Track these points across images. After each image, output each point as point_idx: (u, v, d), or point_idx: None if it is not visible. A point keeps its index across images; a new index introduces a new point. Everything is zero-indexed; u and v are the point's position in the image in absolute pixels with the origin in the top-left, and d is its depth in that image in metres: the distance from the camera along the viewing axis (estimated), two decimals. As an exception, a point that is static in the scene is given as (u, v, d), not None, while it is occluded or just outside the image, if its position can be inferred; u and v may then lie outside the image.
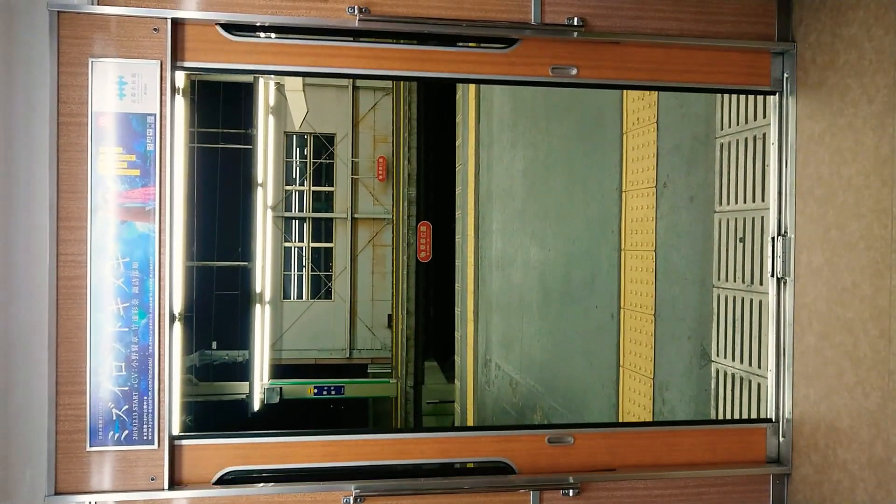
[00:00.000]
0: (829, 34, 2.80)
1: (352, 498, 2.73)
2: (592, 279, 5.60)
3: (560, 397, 6.41)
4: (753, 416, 3.58)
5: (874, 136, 2.56)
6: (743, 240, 3.66)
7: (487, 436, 2.95)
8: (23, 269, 2.58)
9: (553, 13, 2.87)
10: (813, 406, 2.86)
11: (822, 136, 2.83)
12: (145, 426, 2.66)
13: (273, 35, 2.76)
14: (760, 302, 3.50)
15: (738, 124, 3.70)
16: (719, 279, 3.91)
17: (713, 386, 3.94)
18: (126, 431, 2.65)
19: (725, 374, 3.82)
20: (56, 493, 2.61)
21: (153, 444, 2.66)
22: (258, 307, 12.63)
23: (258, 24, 2.77)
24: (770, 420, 3.06)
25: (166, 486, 2.66)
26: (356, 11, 2.71)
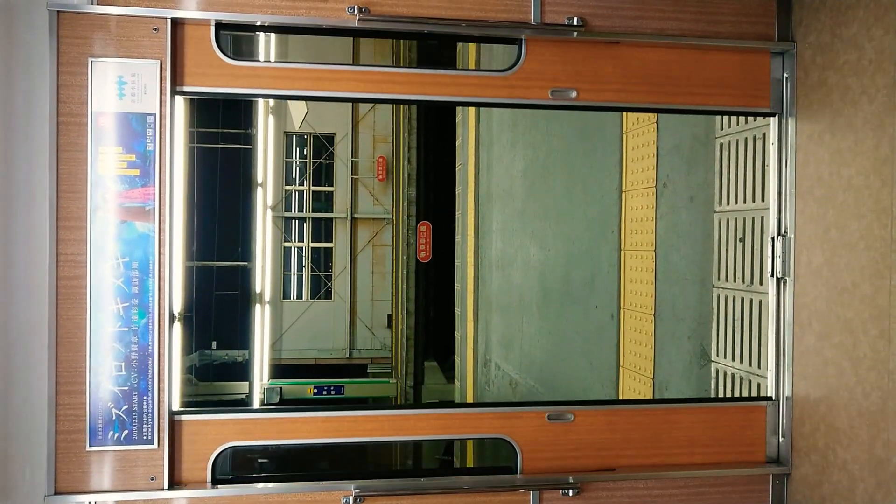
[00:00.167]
0: (828, 34, 2.80)
1: (351, 498, 2.73)
2: (592, 279, 5.60)
3: (560, 397, 6.41)
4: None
5: (874, 135, 2.56)
6: (743, 240, 3.66)
7: (488, 412, 2.94)
8: (22, 268, 2.58)
9: (553, 13, 2.87)
10: (812, 406, 2.86)
11: (821, 136, 2.83)
12: (145, 426, 2.65)
13: (273, 59, 2.75)
14: (760, 302, 3.50)
15: (737, 124, 3.70)
16: (719, 279, 3.91)
17: (713, 386, 3.94)
18: (126, 431, 2.65)
19: (725, 374, 3.82)
20: (56, 493, 2.61)
21: (153, 444, 2.66)
22: (258, 307, 12.63)
23: (258, 24, 2.77)
24: (770, 398, 3.06)
25: (166, 486, 2.66)
26: (356, 11, 2.71)
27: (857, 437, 2.61)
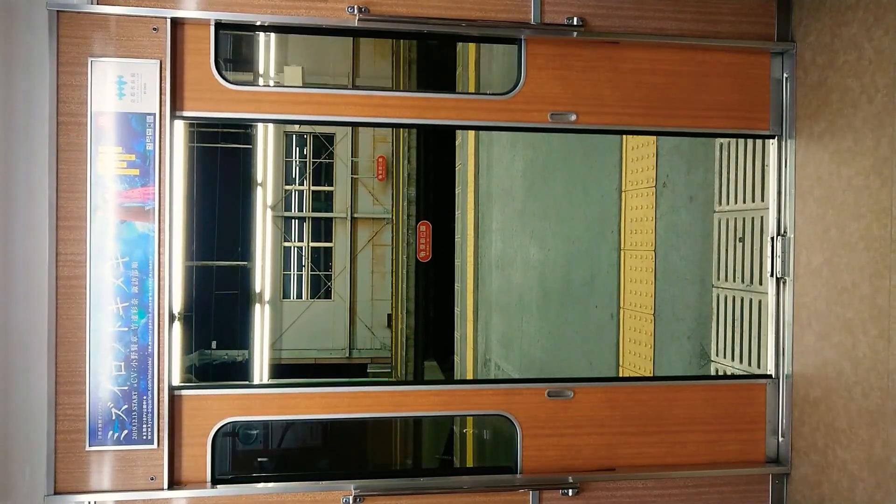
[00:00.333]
0: (828, 34, 2.80)
1: (351, 497, 2.73)
2: (592, 279, 5.60)
3: (559, 397, 6.40)
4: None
5: (873, 136, 2.56)
6: (742, 240, 3.66)
7: (488, 389, 2.94)
8: (22, 268, 2.58)
9: (553, 13, 2.87)
10: (812, 406, 2.86)
11: (821, 136, 2.83)
12: (145, 426, 2.65)
13: (272, 83, 2.75)
14: (760, 302, 3.50)
15: (737, 124, 3.69)
16: (719, 279, 3.91)
17: (713, 386, 3.94)
18: (125, 431, 2.65)
19: (725, 374, 3.82)
20: (55, 493, 2.61)
21: (153, 444, 2.66)
22: (258, 307, 12.62)
23: (258, 24, 2.77)
24: (770, 376, 3.06)
25: (166, 486, 2.66)
26: (356, 11, 2.71)
27: (857, 437, 2.61)
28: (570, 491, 2.85)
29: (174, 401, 2.71)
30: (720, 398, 3.03)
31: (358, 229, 16.91)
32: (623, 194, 5.07)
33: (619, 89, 2.94)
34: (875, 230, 2.55)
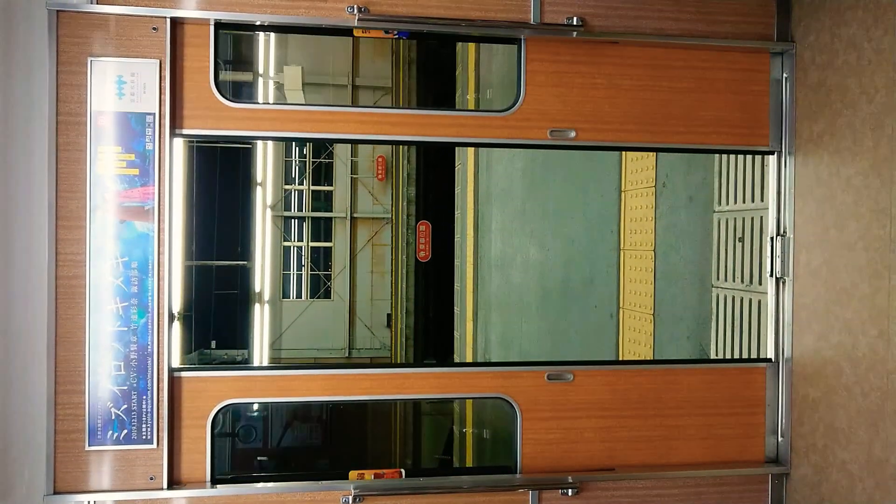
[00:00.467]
0: (828, 34, 2.80)
1: (351, 497, 2.73)
2: (591, 279, 5.60)
3: (559, 397, 6.40)
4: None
5: (873, 136, 2.56)
6: (742, 240, 3.66)
7: (487, 372, 2.94)
8: (22, 268, 2.58)
9: (552, 13, 2.87)
10: (811, 406, 2.86)
11: (820, 136, 2.83)
12: (144, 425, 2.65)
13: (272, 101, 2.75)
14: (759, 302, 3.50)
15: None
16: (718, 279, 3.91)
17: (712, 386, 3.94)
18: (125, 431, 2.65)
19: (724, 358, 3.81)
20: (55, 493, 2.61)
21: (152, 444, 2.66)
22: (257, 306, 12.61)
23: (258, 24, 2.77)
24: (769, 360, 3.06)
25: (165, 486, 2.66)
26: (355, 11, 2.71)
27: (856, 438, 2.61)
28: (570, 491, 2.85)
29: (174, 383, 2.71)
30: (720, 382, 3.04)
31: (357, 229, 16.89)
32: (623, 194, 5.07)
33: (618, 106, 2.94)
34: (874, 230, 2.55)
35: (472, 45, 9.08)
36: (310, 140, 2.81)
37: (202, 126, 2.72)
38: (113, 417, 2.64)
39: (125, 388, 2.64)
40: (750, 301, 3.59)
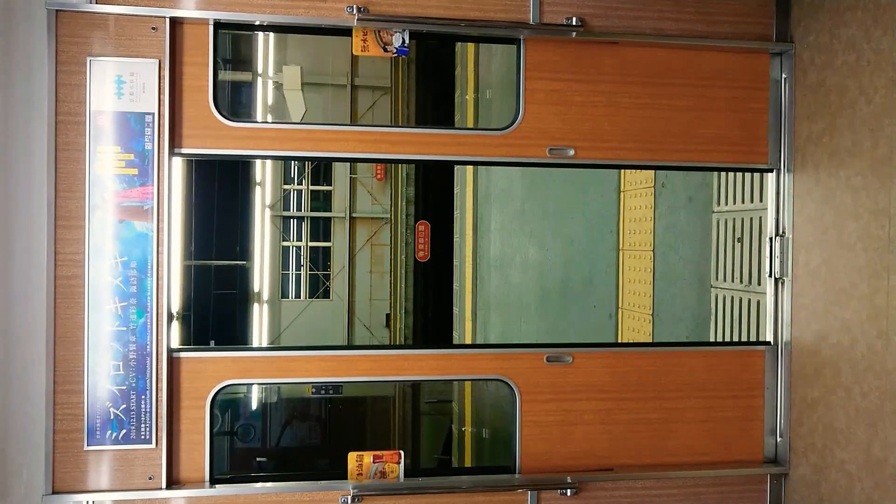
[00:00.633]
0: (827, 35, 2.80)
1: (349, 497, 2.72)
2: (591, 279, 5.60)
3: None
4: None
5: (872, 136, 2.57)
6: (741, 240, 3.67)
7: (486, 353, 2.93)
8: (21, 268, 2.58)
9: (552, 13, 2.87)
10: (810, 406, 2.87)
11: (819, 137, 2.83)
12: (143, 425, 2.65)
13: (270, 120, 2.74)
14: (758, 302, 3.50)
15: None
16: (717, 279, 3.92)
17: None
18: (124, 431, 2.64)
19: (724, 340, 3.82)
20: (53, 493, 2.61)
21: (151, 444, 2.66)
22: (256, 306, 12.60)
23: (257, 23, 2.77)
24: (768, 342, 3.07)
25: (164, 486, 2.66)
26: (354, 11, 2.71)
27: (855, 438, 2.62)
28: (569, 491, 2.85)
29: (173, 363, 2.71)
30: (719, 364, 3.04)
31: (356, 229, 16.89)
32: (622, 194, 5.07)
33: (617, 124, 2.94)
34: (873, 230, 2.55)
35: (471, 45, 9.08)
36: (309, 159, 2.81)
37: (201, 145, 2.72)
38: (112, 417, 2.63)
39: (124, 387, 2.64)
40: (749, 301, 3.59)
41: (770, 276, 3.06)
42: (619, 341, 5.05)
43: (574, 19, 2.85)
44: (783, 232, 3.02)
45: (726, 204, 3.81)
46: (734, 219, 3.73)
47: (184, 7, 2.67)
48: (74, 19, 2.61)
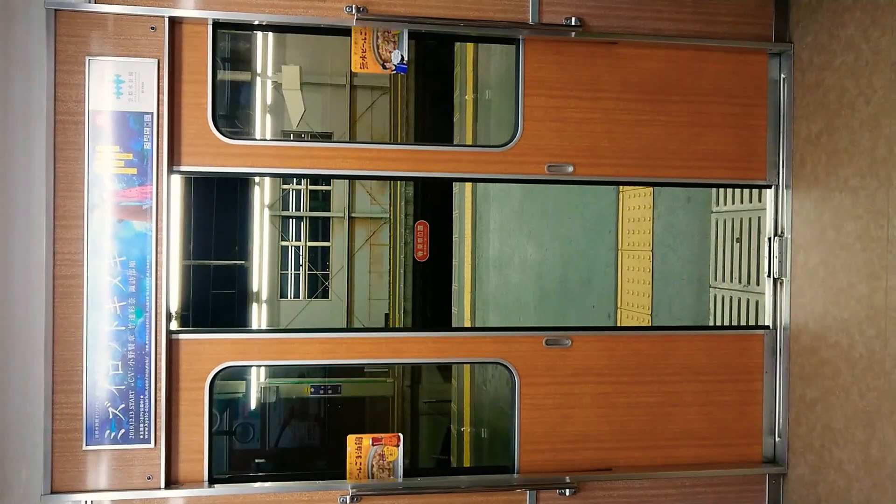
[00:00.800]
0: (826, 35, 2.80)
1: (348, 497, 2.73)
2: (589, 279, 5.60)
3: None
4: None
5: (871, 136, 2.57)
6: (740, 240, 3.67)
7: (486, 336, 2.94)
8: (20, 267, 2.58)
9: (551, 13, 2.87)
10: (808, 406, 2.87)
11: (818, 137, 2.83)
12: (142, 425, 2.65)
13: (269, 138, 2.74)
14: (757, 302, 3.50)
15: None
16: (716, 279, 3.92)
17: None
18: (123, 430, 2.64)
19: (723, 325, 3.82)
20: (52, 492, 2.60)
21: (150, 443, 2.66)
22: (255, 306, 12.59)
23: (256, 23, 2.77)
24: (767, 327, 3.07)
25: (163, 485, 2.66)
26: (354, 10, 2.71)
27: (853, 438, 2.62)
28: (568, 491, 2.85)
29: (172, 345, 2.71)
30: (718, 348, 3.05)
31: (355, 229, 16.88)
32: (621, 194, 5.07)
33: (615, 140, 2.94)
34: (872, 231, 2.55)
35: (470, 46, 9.09)
36: (308, 176, 2.81)
37: (200, 163, 2.72)
38: (111, 417, 2.63)
39: (123, 387, 2.64)
40: (748, 301, 3.59)
41: (769, 276, 3.06)
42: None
43: (573, 19, 2.85)
44: (782, 232, 3.02)
45: (725, 204, 3.82)
46: (733, 219, 3.73)
47: (183, 7, 2.67)
48: (73, 19, 2.60)
